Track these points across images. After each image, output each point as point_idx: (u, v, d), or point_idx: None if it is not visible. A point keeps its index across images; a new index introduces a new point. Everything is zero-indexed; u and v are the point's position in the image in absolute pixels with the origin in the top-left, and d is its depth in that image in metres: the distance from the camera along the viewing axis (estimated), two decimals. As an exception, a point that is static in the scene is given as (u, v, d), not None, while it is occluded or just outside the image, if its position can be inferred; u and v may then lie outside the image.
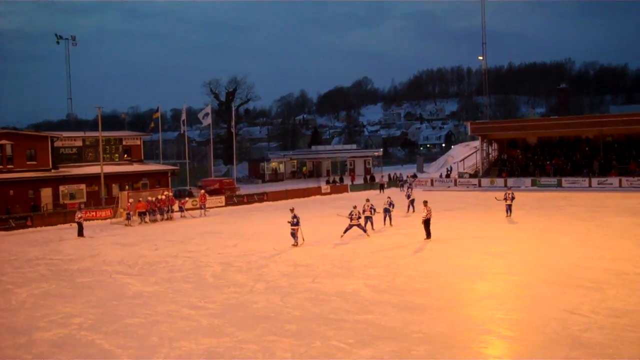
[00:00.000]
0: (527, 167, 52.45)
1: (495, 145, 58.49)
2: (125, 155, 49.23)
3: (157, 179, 48.20)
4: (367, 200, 26.38)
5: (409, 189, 35.26)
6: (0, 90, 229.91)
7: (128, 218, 33.22)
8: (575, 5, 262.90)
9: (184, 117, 56.82)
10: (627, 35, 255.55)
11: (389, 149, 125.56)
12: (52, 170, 42.24)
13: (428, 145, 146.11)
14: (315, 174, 77.69)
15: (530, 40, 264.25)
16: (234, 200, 43.96)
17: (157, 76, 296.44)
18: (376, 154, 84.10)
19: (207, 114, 55.02)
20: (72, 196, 42.56)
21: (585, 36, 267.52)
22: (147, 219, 33.55)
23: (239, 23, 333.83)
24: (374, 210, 25.54)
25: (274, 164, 77.96)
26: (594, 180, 46.26)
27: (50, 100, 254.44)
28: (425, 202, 23.03)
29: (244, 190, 53.63)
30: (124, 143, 49.47)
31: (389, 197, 28.84)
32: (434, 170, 71.13)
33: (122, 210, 35.24)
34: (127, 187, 43.82)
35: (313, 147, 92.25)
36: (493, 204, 31.81)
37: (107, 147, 47.68)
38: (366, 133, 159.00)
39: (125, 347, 11.34)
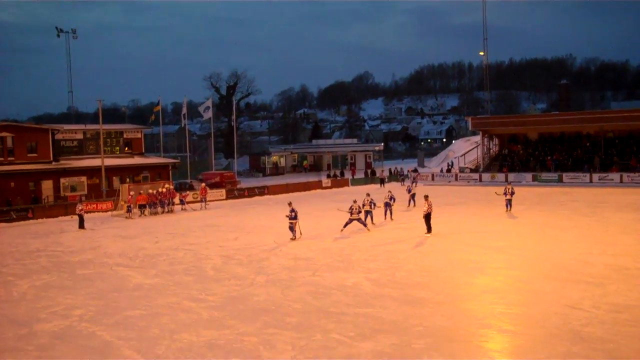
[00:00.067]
0: (527, 162, 52.42)
1: (496, 141, 58.38)
2: (126, 148, 49.21)
3: (157, 172, 48.19)
4: (368, 194, 26.33)
5: (413, 183, 35.17)
6: (1, 82, 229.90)
7: (129, 210, 33.29)
8: (577, 2, 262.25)
9: (184, 110, 56.94)
10: (628, 32, 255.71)
11: (389, 144, 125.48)
12: (53, 163, 42.23)
13: (429, 140, 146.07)
14: (316, 168, 77.62)
15: (531, 36, 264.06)
16: (234, 193, 43.95)
17: (157, 69, 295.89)
18: (377, 148, 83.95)
19: (207, 108, 54.95)
20: (73, 188, 42.58)
21: (586, 32, 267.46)
22: (147, 211, 33.60)
23: (239, 17, 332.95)
24: (374, 204, 25.52)
25: (274, 157, 77.95)
26: (595, 176, 46.21)
27: (51, 93, 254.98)
28: (426, 197, 23.01)
29: (245, 183, 53.64)
30: (124, 136, 49.45)
31: (389, 191, 28.81)
32: (434, 165, 71.09)
33: (122, 202, 35.29)
34: (127, 179, 43.81)
35: (314, 141, 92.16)
36: (494, 199, 31.80)
37: (108, 140, 47.65)
38: (367, 127, 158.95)
39: (126, 339, 11.37)
